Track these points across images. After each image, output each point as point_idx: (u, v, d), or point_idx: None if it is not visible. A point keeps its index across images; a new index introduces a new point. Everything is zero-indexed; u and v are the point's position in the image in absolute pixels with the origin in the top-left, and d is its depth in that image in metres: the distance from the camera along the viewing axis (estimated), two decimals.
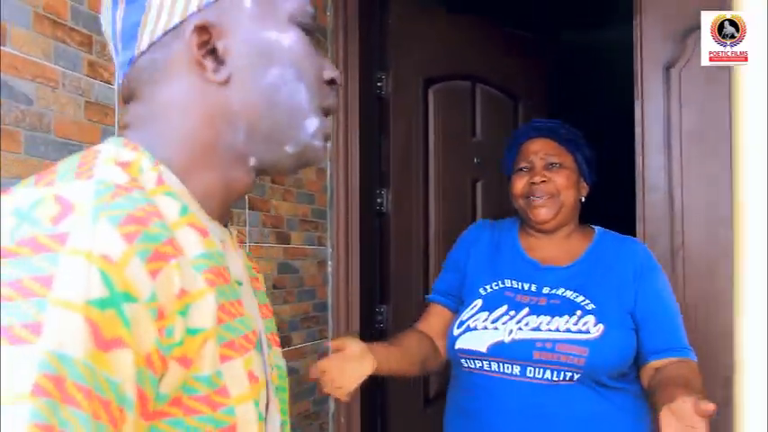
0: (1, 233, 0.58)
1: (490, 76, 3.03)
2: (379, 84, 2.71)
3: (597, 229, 1.85)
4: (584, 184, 1.83)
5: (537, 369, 1.61)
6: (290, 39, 0.78)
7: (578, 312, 1.65)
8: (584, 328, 1.62)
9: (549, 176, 1.75)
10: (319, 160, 0.83)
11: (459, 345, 1.70)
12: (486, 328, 1.68)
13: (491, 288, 1.76)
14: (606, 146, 4.02)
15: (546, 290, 1.72)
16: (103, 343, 0.57)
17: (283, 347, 2.20)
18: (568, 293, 1.69)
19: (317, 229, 2.45)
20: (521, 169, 1.79)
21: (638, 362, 1.70)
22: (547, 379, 1.60)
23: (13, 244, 0.58)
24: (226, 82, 0.75)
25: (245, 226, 2.03)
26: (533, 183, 1.75)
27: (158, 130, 0.75)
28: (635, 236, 2.33)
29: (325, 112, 0.82)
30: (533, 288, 1.73)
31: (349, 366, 1.60)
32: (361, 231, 2.56)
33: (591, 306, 1.66)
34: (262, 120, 0.77)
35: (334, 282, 2.53)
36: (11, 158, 1.31)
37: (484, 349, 1.65)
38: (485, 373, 1.66)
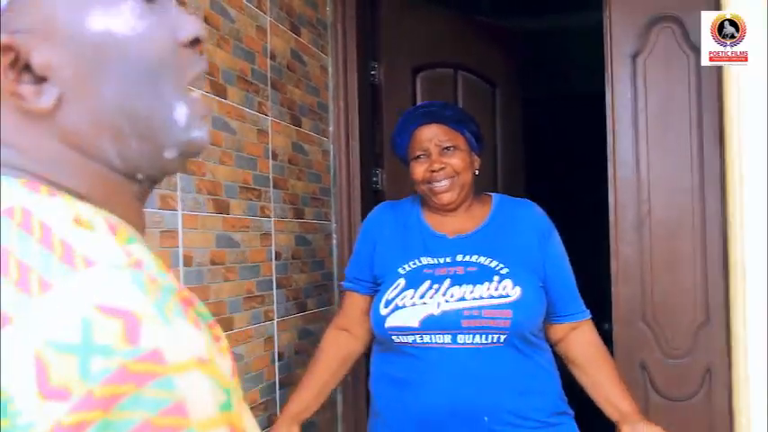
0: (64, 378, 0.48)
1: (470, 63, 3.30)
2: (372, 72, 2.97)
3: (494, 195, 2.00)
4: (476, 158, 1.96)
5: (467, 335, 1.74)
6: (121, 20, 0.61)
7: (496, 278, 1.78)
8: (504, 293, 1.75)
9: (445, 161, 1.87)
10: (203, 146, 0.67)
11: (389, 323, 1.80)
12: (414, 304, 1.78)
13: (409, 267, 1.86)
14: (576, 126, 4.35)
15: (460, 257, 1.84)
16: None
17: (299, 314, 2.47)
18: (482, 259, 1.82)
19: (323, 205, 2.70)
20: (418, 156, 1.90)
21: (547, 318, 1.90)
22: (477, 343, 1.73)
23: (101, 385, 0.48)
24: (57, 105, 0.59)
25: (270, 202, 2.28)
26: (433, 170, 1.87)
27: (24, 162, 0.60)
28: (607, 205, 2.65)
29: (191, 85, 0.66)
30: (448, 260, 1.84)
31: None
32: (360, 207, 2.82)
33: (505, 270, 1.79)
34: (123, 135, 0.62)
35: (339, 253, 2.79)
36: None
37: (416, 324, 1.77)
38: (417, 345, 1.77)
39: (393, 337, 1.80)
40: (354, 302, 1.99)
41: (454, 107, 1.97)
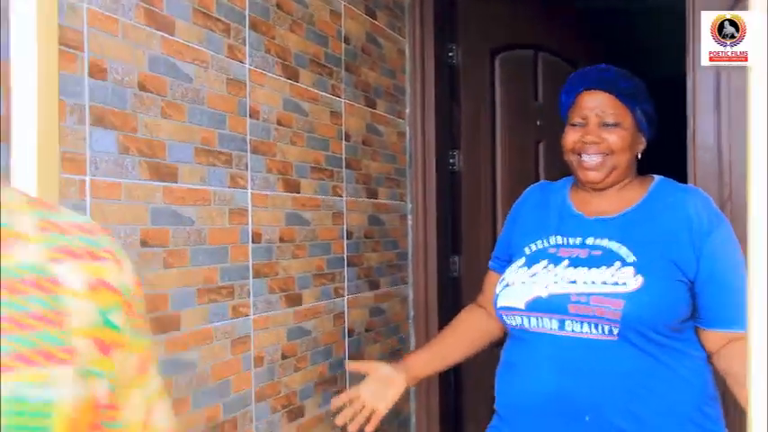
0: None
1: (550, 43, 3.27)
2: (450, 54, 2.98)
3: (657, 178, 1.76)
4: (642, 140, 1.75)
5: (575, 323, 1.58)
6: None
7: (617, 264, 1.60)
8: (620, 280, 1.57)
9: (603, 137, 1.68)
10: None
11: (500, 302, 1.70)
12: (523, 282, 1.66)
13: (536, 246, 1.73)
14: (660, 108, 4.24)
15: (590, 240, 1.67)
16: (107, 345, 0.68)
17: (371, 291, 2.54)
18: (612, 244, 1.64)
19: (398, 186, 2.74)
20: (574, 124, 1.72)
21: (698, 322, 1.65)
22: (586, 332, 1.57)
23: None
24: None
25: (343, 182, 2.34)
26: (585, 141, 1.68)
27: None
28: None
29: None
30: (577, 241, 1.69)
31: (380, 388, 1.78)
32: (437, 189, 2.84)
33: (632, 258, 1.60)
34: None
35: (414, 233, 2.83)
36: (179, 126, 1.63)
37: (522, 305, 1.64)
38: (525, 328, 1.65)
39: (504, 318, 1.69)
40: (491, 281, 1.88)
41: (632, 79, 1.74)
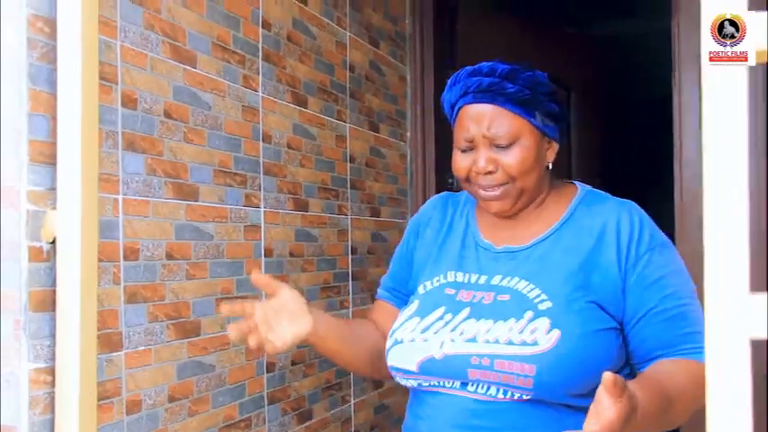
0: None
1: (545, 69, 3.44)
2: (447, 79, 3.15)
3: (579, 189, 1.44)
4: (553, 144, 1.40)
5: (478, 386, 1.29)
6: None
7: (528, 314, 1.29)
8: (530, 339, 1.26)
9: (496, 160, 1.34)
10: None
11: (390, 361, 1.39)
12: (413, 340, 1.35)
13: (431, 285, 1.42)
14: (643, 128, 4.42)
15: (496, 280, 1.36)
16: None
17: (373, 305, 2.68)
18: (522, 285, 1.33)
19: (399, 205, 2.90)
20: (462, 149, 1.37)
21: (635, 367, 1.37)
22: (491, 395, 1.28)
23: None
24: None
25: (348, 201, 2.49)
26: (477, 172, 1.35)
27: None
28: (673, 207, 2.74)
29: None
30: (482, 280, 1.38)
31: (280, 321, 1.34)
32: None
33: (546, 304, 1.29)
34: None
35: None
36: (199, 149, 1.79)
37: (414, 368, 1.33)
38: (423, 389, 1.36)
39: (396, 378, 1.39)
40: (385, 316, 1.51)
41: (523, 77, 1.37)
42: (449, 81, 1.43)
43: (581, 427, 1.14)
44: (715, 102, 1.16)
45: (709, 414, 1.06)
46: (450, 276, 1.40)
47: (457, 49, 3.17)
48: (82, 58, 1.33)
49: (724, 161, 1.12)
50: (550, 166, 1.40)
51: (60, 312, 1.33)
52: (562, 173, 3.33)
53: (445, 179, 3.11)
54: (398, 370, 1.36)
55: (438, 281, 1.40)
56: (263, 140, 2.03)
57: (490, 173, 1.33)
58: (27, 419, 1.30)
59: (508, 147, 1.34)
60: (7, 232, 1.32)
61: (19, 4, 1.31)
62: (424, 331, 1.34)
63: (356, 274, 2.54)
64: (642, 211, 1.38)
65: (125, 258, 1.54)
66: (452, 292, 1.37)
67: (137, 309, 1.57)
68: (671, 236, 2.72)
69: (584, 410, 1.17)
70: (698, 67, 2.80)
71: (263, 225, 2.02)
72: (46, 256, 1.34)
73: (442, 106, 1.45)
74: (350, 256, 2.50)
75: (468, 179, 1.37)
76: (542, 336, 1.25)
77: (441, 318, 1.34)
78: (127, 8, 1.55)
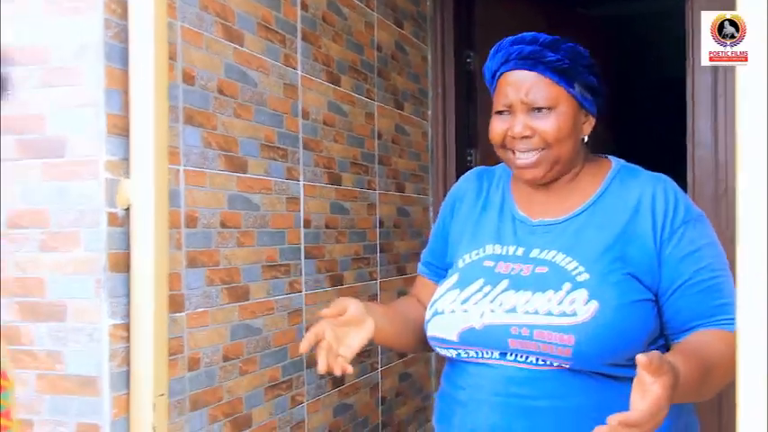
0: None
1: None
2: (468, 60, 3.24)
3: (614, 163, 1.46)
4: (589, 117, 1.42)
5: (518, 355, 1.32)
6: None
7: (566, 286, 1.32)
8: (569, 309, 1.30)
9: (534, 127, 1.35)
10: None
11: (430, 332, 1.42)
12: (453, 311, 1.38)
13: (470, 258, 1.44)
14: (656, 109, 4.51)
15: (535, 253, 1.39)
16: None
17: (399, 276, 2.79)
18: (559, 257, 1.36)
19: (421, 181, 3.00)
20: (500, 112, 1.39)
21: (669, 338, 1.40)
22: (531, 363, 1.32)
23: None
24: None
25: (376, 177, 2.60)
26: (513, 136, 1.36)
27: None
28: (686, 186, 2.84)
29: None
30: (519, 252, 1.40)
31: (348, 332, 1.38)
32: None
33: (584, 276, 1.32)
34: None
35: None
36: (247, 124, 1.89)
37: (454, 337, 1.37)
38: (462, 360, 1.39)
39: (437, 348, 1.43)
40: (426, 291, 1.54)
41: (564, 47, 1.39)
42: (491, 51, 1.43)
43: (620, 395, 1.21)
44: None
45: (739, 374, 1.17)
46: (489, 249, 1.42)
47: (474, 31, 3.27)
48: (154, 37, 1.43)
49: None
50: (586, 139, 1.41)
51: (134, 273, 1.44)
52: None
53: (464, 156, 3.21)
54: (439, 340, 1.39)
55: (477, 254, 1.42)
56: (302, 117, 2.13)
57: (527, 137, 1.34)
58: (107, 371, 1.41)
59: (546, 113, 1.35)
60: (88, 200, 1.42)
61: None
62: (464, 302, 1.36)
63: (383, 247, 2.65)
64: (676, 186, 1.40)
65: (186, 225, 1.64)
66: (491, 264, 1.39)
67: (196, 273, 1.68)
68: None
69: (622, 379, 1.26)
70: None
71: (302, 197, 2.13)
72: (121, 221, 1.45)
73: (484, 76, 1.46)
74: (378, 230, 2.61)
75: (503, 145, 1.38)
76: (581, 307, 1.28)
77: (480, 289, 1.37)
78: None
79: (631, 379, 1.18)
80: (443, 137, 3.11)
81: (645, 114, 4.74)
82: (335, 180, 2.32)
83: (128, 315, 1.45)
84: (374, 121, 2.59)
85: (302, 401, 2.12)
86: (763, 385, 1.10)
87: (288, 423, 2.06)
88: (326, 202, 2.27)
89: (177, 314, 1.61)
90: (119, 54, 1.45)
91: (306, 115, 2.16)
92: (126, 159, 1.46)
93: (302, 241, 2.12)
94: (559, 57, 1.36)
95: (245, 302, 1.86)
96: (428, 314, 1.41)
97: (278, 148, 2.02)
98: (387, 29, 2.70)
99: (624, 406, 1.18)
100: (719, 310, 1.34)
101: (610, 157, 1.48)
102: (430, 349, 1.50)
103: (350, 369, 1.35)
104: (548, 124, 1.34)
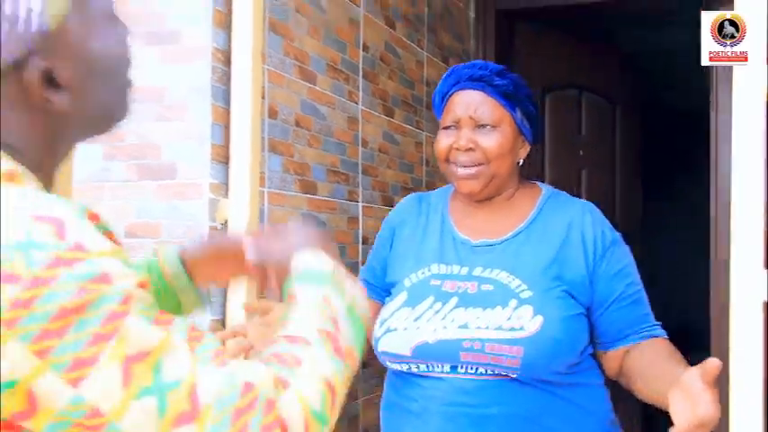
0: (14, 269, 0.63)
1: (592, 84, 3.79)
2: None
3: (544, 189, 1.59)
4: (526, 144, 1.55)
5: (468, 368, 1.43)
6: (112, 41, 0.81)
7: (513, 303, 1.43)
8: (518, 324, 1.41)
9: (476, 141, 1.47)
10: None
11: (381, 347, 1.50)
12: (406, 328, 1.47)
13: (416, 277, 1.53)
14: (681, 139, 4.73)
15: (478, 271, 1.49)
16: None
17: None
18: (503, 276, 1.47)
19: None
20: (447, 127, 1.51)
21: (597, 347, 1.55)
22: (481, 374, 1.42)
23: (42, 269, 0.64)
24: (66, 104, 0.77)
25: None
26: (456, 148, 1.48)
27: (16, 143, 0.77)
28: (708, 216, 3.05)
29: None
30: (464, 271, 1.51)
31: (273, 332, 1.40)
32: None
33: (527, 293, 1.44)
34: (95, 124, 0.83)
35: None
36: (317, 152, 2.17)
37: (408, 352, 1.46)
38: (413, 372, 1.48)
39: (387, 363, 1.52)
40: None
41: (511, 76, 1.53)
42: (443, 76, 1.57)
43: (559, 398, 1.43)
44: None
45: (732, 360, 1.41)
46: (435, 269, 1.51)
47: (514, 65, 3.54)
48: (251, 81, 1.72)
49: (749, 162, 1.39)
50: (521, 163, 1.54)
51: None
52: (605, 188, 3.67)
53: None
54: (391, 355, 1.47)
55: (423, 273, 1.51)
56: (361, 145, 2.41)
57: (470, 149, 1.45)
58: None
59: (489, 130, 1.46)
60: (194, 216, 1.71)
61: (207, 40, 1.70)
62: (416, 320, 1.45)
63: None
64: (599, 212, 1.55)
65: None
66: (438, 282, 1.48)
67: None
68: (705, 244, 3.03)
69: (561, 384, 1.44)
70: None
71: (360, 217, 2.40)
72: (220, 234, 1.73)
73: (433, 101, 1.60)
74: (360, 246, 2.87)
75: (447, 159, 1.50)
76: (527, 321, 1.39)
77: (431, 307, 1.46)
78: (272, 38, 1.94)
79: (569, 384, 1.44)
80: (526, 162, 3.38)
81: (673, 147, 4.97)
82: (388, 202, 2.59)
83: (224, 313, 1.72)
84: (423, 150, 2.86)
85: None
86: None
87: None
88: (380, 222, 2.53)
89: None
90: (222, 94, 1.74)
91: (365, 144, 2.44)
92: (225, 183, 1.74)
93: (360, 257, 2.39)
94: (506, 82, 1.49)
95: None
96: (379, 332, 1.49)
97: (341, 173, 2.30)
98: (435, 66, 2.97)
99: (563, 408, 1.44)
100: (645, 319, 1.52)
101: (538, 182, 1.62)
102: (363, 359, 1.52)
103: None
104: (490, 141, 1.46)
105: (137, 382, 0.66)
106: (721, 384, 1.19)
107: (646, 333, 1.51)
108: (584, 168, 3.74)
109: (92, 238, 0.68)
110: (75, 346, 0.64)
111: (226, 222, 1.73)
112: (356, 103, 2.39)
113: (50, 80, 0.76)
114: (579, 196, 3.64)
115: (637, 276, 1.54)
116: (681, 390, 1.21)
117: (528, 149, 1.55)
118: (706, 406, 1.15)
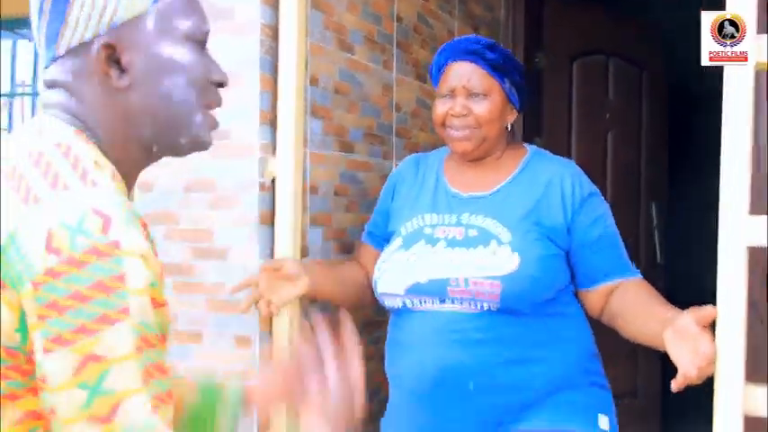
0: (61, 244, 0.77)
1: (619, 50, 3.93)
2: (536, 60, 3.68)
3: (530, 149, 1.80)
4: (513, 110, 1.76)
5: (454, 302, 1.62)
6: (183, 53, 0.94)
7: (493, 244, 1.62)
8: (497, 263, 1.59)
9: (469, 108, 1.68)
10: (207, 146, 1.01)
11: (379, 288, 1.72)
12: (401, 268, 1.68)
13: (411, 226, 1.74)
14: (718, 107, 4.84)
15: (465, 218, 1.69)
16: (156, 305, 0.82)
17: None
18: (487, 222, 1.66)
19: None
20: (443, 95, 1.73)
21: (578, 285, 1.73)
22: (466, 307, 1.61)
23: (80, 253, 0.77)
24: (128, 87, 0.92)
25: (392, 148, 3.07)
26: (452, 114, 1.70)
27: (83, 116, 0.92)
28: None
29: (210, 107, 1.00)
30: (452, 220, 1.70)
31: (282, 284, 1.76)
32: None
33: (507, 236, 1.63)
34: (159, 116, 0.94)
35: None
36: (355, 117, 2.38)
37: (401, 291, 1.67)
38: (407, 308, 1.68)
39: (385, 301, 1.73)
40: (368, 256, 1.91)
41: (501, 50, 1.74)
42: (439, 49, 1.81)
43: (533, 327, 1.62)
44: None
45: (719, 299, 1.58)
46: (428, 219, 1.73)
47: (543, 33, 3.70)
48: (296, 53, 1.94)
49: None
50: (509, 127, 1.77)
51: (277, 226, 1.95)
52: (631, 151, 3.82)
53: (531, 143, 3.66)
54: (388, 294, 1.70)
55: (417, 222, 1.74)
56: (395, 110, 2.62)
57: (464, 115, 1.68)
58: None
59: (480, 98, 1.68)
60: (246, 173, 1.94)
61: (256, 17, 1.92)
62: (408, 261, 1.68)
63: None
64: (579, 169, 1.76)
65: (310, 193, 2.15)
66: (430, 230, 1.70)
67: (316, 230, 2.18)
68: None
69: (537, 316, 1.62)
70: None
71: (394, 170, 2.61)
72: (268, 188, 1.96)
73: (430, 72, 1.82)
74: None
75: (443, 123, 1.73)
76: (505, 260, 1.59)
77: (421, 250, 1.68)
78: (314, 14, 2.15)
79: (548, 314, 1.63)
80: (514, 125, 3.56)
81: (699, 120, 5.07)
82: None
83: (272, 257, 1.96)
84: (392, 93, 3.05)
85: None
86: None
87: None
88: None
89: (304, 259, 2.13)
90: (269, 65, 1.96)
91: (398, 109, 2.65)
92: (273, 143, 1.97)
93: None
94: (495, 56, 1.71)
95: (350, 254, 2.37)
96: (377, 273, 1.73)
97: (377, 135, 2.51)
98: (466, 34, 3.15)
99: (542, 335, 1.62)
100: (621, 260, 1.72)
101: (525, 144, 1.85)
102: (366, 305, 1.89)
103: (276, 312, 1.76)
104: (481, 107, 1.68)
105: (83, 377, 0.77)
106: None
107: (624, 273, 1.70)
108: (610, 131, 3.90)
109: (129, 238, 0.80)
110: (62, 326, 0.77)
111: (274, 179, 1.96)
112: (390, 71, 2.60)
113: (114, 59, 0.91)
114: (604, 157, 3.85)
115: (613, 224, 1.73)
116: (676, 332, 1.37)
117: (515, 115, 1.77)
118: (708, 345, 1.33)
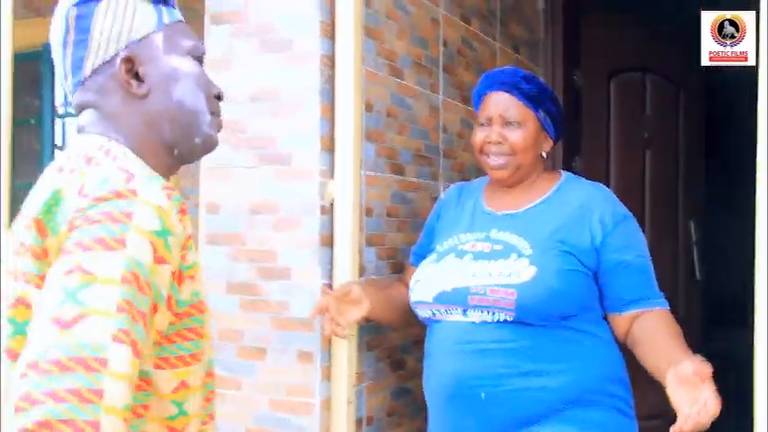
0: (90, 190, 0.90)
1: (656, 67, 3.99)
2: (574, 78, 3.75)
3: (564, 175, 1.89)
4: (548, 139, 1.86)
5: (475, 311, 1.70)
6: (189, 65, 1.08)
7: (513, 256, 1.70)
8: (513, 272, 1.67)
9: (505, 136, 1.79)
10: (215, 146, 1.14)
11: (412, 297, 1.84)
12: (431, 278, 1.79)
13: (447, 244, 1.86)
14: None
15: (494, 233, 1.78)
16: (157, 258, 0.89)
17: None
18: (512, 238, 1.75)
19: None
20: (481, 123, 1.85)
21: (606, 309, 1.79)
22: (485, 318, 1.69)
23: (104, 193, 0.89)
24: (146, 95, 1.06)
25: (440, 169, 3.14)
26: (489, 141, 1.81)
27: (113, 128, 1.05)
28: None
29: (214, 114, 1.12)
30: (482, 235, 1.80)
31: (348, 308, 1.91)
32: None
33: (529, 250, 1.70)
34: (176, 118, 1.07)
35: None
36: (405, 139, 2.47)
37: (430, 299, 1.78)
38: (435, 318, 1.78)
39: (417, 310, 1.84)
40: (411, 275, 2.00)
41: (536, 82, 1.86)
42: (480, 78, 1.94)
43: (549, 339, 1.66)
44: None
45: (756, 321, 1.63)
46: (462, 237, 1.85)
47: (580, 51, 3.77)
48: (353, 82, 2.03)
49: None
50: (544, 155, 1.88)
51: (336, 247, 2.04)
52: (669, 168, 3.86)
53: (569, 163, 3.72)
54: (418, 302, 1.81)
55: (453, 241, 1.86)
56: (442, 132, 2.71)
57: (500, 143, 1.79)
58: (319, 316, 2.02)
59: (516, 127, 1.78)
60: (307, 196, 2.03)
61: (315, 48, 2.02)
62: (439, 271, 1.79)
63: None
64: (612, 193, 1.84)
65: (366, 215, 2.24)
66: (461, 246, 1.82)
67: (371, 250, 2.27)
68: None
69: (561, 329, 1.68)
70: None
71: (441, 195, 2.70)
72: (328, 210, 2.05)
73: (473, 99, 1.95)
74: None
75: (481, 150, 1.84)
76: (523, 271, 1.66)
77: (451, 262, 1.79)
78: (367, 42, 2.24)
79: (569, 329, 1.68)
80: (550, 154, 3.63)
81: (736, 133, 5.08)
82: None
83: (331, 277, 2.05)
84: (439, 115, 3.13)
85: None
86: None
87: None
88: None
89: (361, 278, 2.21)
90: (327, 93, 2.06)
91: (445, 130, 2.73)
92: (331, 168, 2.06)
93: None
94: (531, 87, 1.82)
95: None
96: (411, 284, 1.86)
97: (425, 156, 2.60)
98: (507, 56, 3.24)
99: (557, 348, 1.66)
100: (649, 288, 1.76)
101: (561, 171, 1.94)
102: (413, 323, 1.96)
103: (341, 333, 1.90)
104: (516, 136, 1.79)
105: (67, 281, 0.84)
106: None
107: (648, 301, 1.76)
108: (647, 149, 3.95)
109: (148, 191, 0.92)
110: (69, 240, 0.88)
111: (332, 202, 2.05)
112: (437, 94, 2.68)
113: (133, 72, 1.05)
114: (642, 175, 3.89)
115: (645, 252, 1.78)
116: (677, 376, 1.47)
117: (551, 144, 1.87)
118: (711, 399, 1.42)
